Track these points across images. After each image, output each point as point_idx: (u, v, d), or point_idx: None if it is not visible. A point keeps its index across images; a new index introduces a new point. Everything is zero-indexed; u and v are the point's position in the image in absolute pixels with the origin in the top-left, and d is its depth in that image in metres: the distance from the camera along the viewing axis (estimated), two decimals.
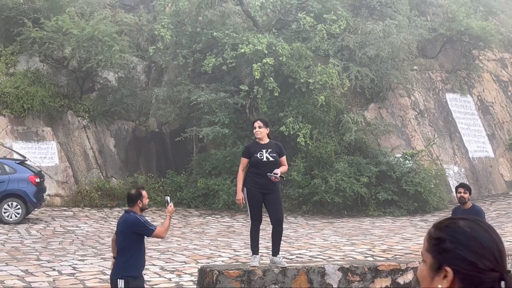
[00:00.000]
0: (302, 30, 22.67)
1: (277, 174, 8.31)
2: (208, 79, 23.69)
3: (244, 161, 8.59)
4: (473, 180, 24.79)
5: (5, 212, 17.60)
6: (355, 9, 25.11)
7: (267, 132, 8.71)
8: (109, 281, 11.19)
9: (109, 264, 12.53)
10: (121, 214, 18.34)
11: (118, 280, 7.12)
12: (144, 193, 7.34)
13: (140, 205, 7.26)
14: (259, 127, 8.59)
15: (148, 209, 20.90)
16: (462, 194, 9.86)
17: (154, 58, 24.25)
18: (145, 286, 10.91)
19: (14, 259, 12.95)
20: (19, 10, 22.98)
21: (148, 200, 7.49)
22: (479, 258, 1.79)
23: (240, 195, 8.46)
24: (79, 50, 21.95)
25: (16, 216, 17.66)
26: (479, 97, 27.87)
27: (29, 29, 21.97)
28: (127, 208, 7.41)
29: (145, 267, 12.57)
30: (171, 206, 7.49)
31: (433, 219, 19.83)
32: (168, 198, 7.66)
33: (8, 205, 17.65)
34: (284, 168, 8.63)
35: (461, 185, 10.13)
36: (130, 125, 24.02)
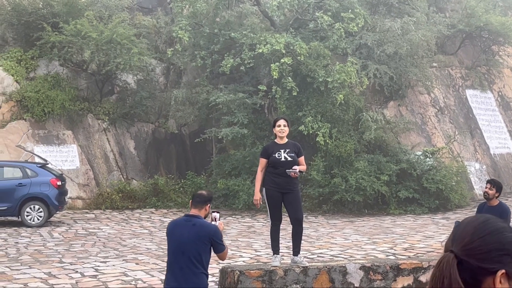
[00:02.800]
0: (319, 29, 22.63)
1: (296, 170, 8.33)
2: (226, 80, 23.72)
3: (262, 161, 8.59)
4: (494, 177, 24.53)
5: (27, 215, 17.76)
6: (372, 6, 25.01)
7: (288, 131, 8.73)
8: (131, 282, 11.26)
9: (130, 265, 12.61)
10: (141, 216, 18.29)
11: None
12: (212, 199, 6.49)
13: (207, 211, 6.28)
14: (284, 126, 8.61)
15: (169, 211, 21.01)
16: (487, 190, 9.65)
17: (173, 60, 24.33)
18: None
19: (37, 262, 13.06)
20: (38, 15, 23.16)
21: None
22: None
23: (258, 196, 8.46)
24: (98, 53, 22.09)
25: (38, 219, 17.81)
26: (500, 93, 27.62)
27: (49, 34, 22.14)
28: (190, 212, 6.31)
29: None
30: (221, 224, 6.38)
31: (455, 216, 19.69)
32: (218, 215, 6.51)
33: (31, 208, 17.80)
34: (303, 167, 8.63)
35: (489, 181, 9.87)
36: (150, 127, 24.13)
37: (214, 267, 12.22)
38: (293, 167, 8.36)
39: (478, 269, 1.80)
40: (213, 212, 6.49)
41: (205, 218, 6.24)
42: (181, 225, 6.16)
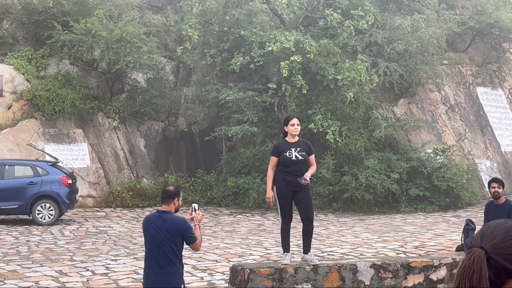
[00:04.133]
0: (329, 26, 22.59)
1: (306, 178, 8.34)
2: (236, 78, 23.73)
3: (273, 159, 8.60)
4: (506, 175, 24.47)
5: (38, 214, 17.84)
6: (382, 4, 24.93)
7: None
8: (141, 280, 11.28)
9: (141, 263, 12.64)
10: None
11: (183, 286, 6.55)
12: (181, 194, 6.84)
13: (176, 204, 6.65)
14: (297, 125, 8.64)
15: (179, 209, 21.03)
16: (496, 189, 9.72)
17: (182, 58, 24.37)
18: None
19: (48, 260, 13.12)
20: (49, 14, 23.26)
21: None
22: None
23: (270, 194, 8.48)
24: (108, 52, 22.15)
25: (49, 218, 17.88)
26: (511, 90, 27.49)
27: (59, 32, 22.22)
28: (160, 208, 6.75)
29: None
30: (199, 214, 6.79)
31: (465, 214, 19.61)
32: (196, 205, 6.95)
33: (42, 206, 17.88)
34: (313, 168, 8.62)
35: (494, 180, 9.98)
36: (160, 126, 24.18)
37: (224, 265, 12.25)
38: (304, 175, 8.35)
39: (504, 269, 1.82)
40: (193, 203, 7.03)
41: (176, 211, 6.60)
42: (153, 221, 6.51)
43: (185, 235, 6.43)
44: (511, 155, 25.73)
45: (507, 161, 25.44)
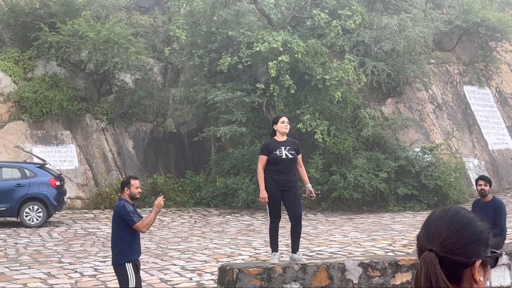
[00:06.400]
0: (317, 26, 22.62)
1: (312, 192, 8.64)
2: (224, 78, 23.72)
3: (263, 158, 8.59)
4: (493, 173, 24.60)
5: (26, 216, 17.76)
6: (369, 3, 25.01)
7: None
8: None
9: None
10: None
11: (126, 264, 7.37)
12: (133, 181, 7.52)
13: (128, 192, 7.45)
14: (287, 123, 8.69)
15: (168, 210, 21.01)
16: (482, 187, 9.79)
17: (170, 59, 24.33)
18: (167, 285, 10.97)
19: (36, 262, 13.07)
20: (35, 15, 23.16)
21: (138, 190, 7.58)
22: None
23: (264, 194, 8.44)
24: (96, 53, 22.08)
25: (37, 220, 17.81)
26: (498, 89, 27.64)
27: (46, 34, 22.13)
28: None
29: (166, 267, 12.65)
30: (158, 200, 7.45)
31: None
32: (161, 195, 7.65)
33: (30, 208, 17.80)
34: (305, 172, 8.82)
35: (482, 178, 10.05)
36: (148, 127, 24.13)
37: (213, 266, 12.24)
38: (309, 189, 8.65)
39: (458, 263, 1.85)
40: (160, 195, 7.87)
41: (132, 198, 7.51)
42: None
43: (124, 218, 7.34)
44: (498, 154, 25.88)
45: (494, 160, 25.57)
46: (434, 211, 2.00)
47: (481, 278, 1.87)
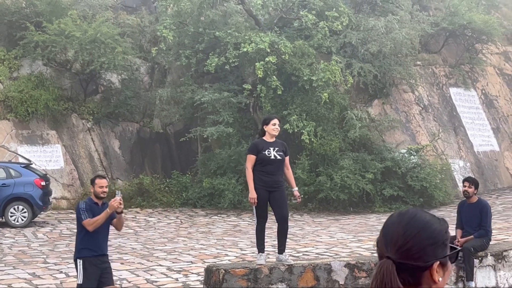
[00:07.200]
0: (304, 27, 22.66)
1: (297, 196, 8.83)
2: (211, 79, 23.70)
3: (252, 158, 8.56)
4: (478, 174, 24.74)
5: (11, 216, 17.65)
6: (356, 5, 25.09)
7: None
8: (117, 282, 11.24)
9: (116, 265, 12.57)
10: (126, 216, 18.44)
11: (78, 260, 7.49)
12: (98, 181, 7.55)
13: (92, 190, 7.57)
14: (278, 125, 8.73)
15: (154, 210, 20.95)
16: (466, 188, 9.83)
17: (157, 59, 24.27)
18: (152, 286, 10.93)
19: (21, 263, 12.98)
20: (22, 14, 23.03)
21: (102, 190, 7.54)
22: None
23: (254, 194, 8.39)
24: (82, 52, 21.99)
25: (22, 220, 17.70)
26: (483, 91, 27.81)
27: (32, 33, 22.01)
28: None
29: (152, 267, 12.60)
30: (114, 200, 7.24)
31: (439, 214, 19.77)
32: (119, 192, 7.54)
33: (15, 208, 17.69)
34: (291, 175, 8.86)
35: (467, 179, 10.08)
36: (135, 127, 24.05)
37: (199, 266, 12.22)
38: (297, 196, 8.79)
39: (416, 267, 1.85)
40: (117, 190, 7.89)
41: (97, 197, 7.57)
42: None
43: (76, 215, 7.57)
44: (483, 155, 26.03)
45: (479, 161, 25.72)
46: (392, 215, 2.00)
47: (440, 279, 1.88)
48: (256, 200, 8.40)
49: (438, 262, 1.87)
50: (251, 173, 8.51)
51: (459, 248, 2.01)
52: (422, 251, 1.86)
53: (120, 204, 7.31)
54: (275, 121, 8.74)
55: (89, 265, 7.46)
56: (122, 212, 7.54)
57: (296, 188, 8.82)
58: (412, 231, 1.88)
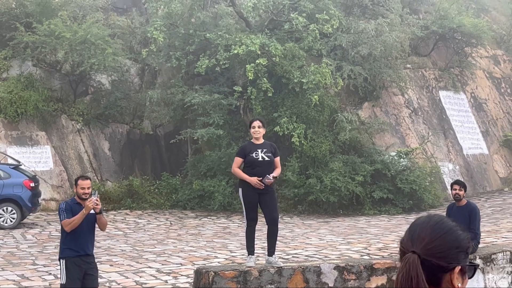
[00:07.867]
0: (294, 30, 22.69)
1: (270, 177, 8.37)
2: (201, 80, 23.68)
3: (238, 160, 8.63)
4: (467, 177, 24.84)
5: (0, 217, 17.56)
6: (347, 8, 25.14)
7: (264, 132, 8.80)
8: (106, 284, 11.24)
9: (105, 267, 12.54)
10: (116, 217, 18.44)
11: (60, 260, 7.56)
12: (81, 182, 7.55)
13: (75, 191, 7.62)
14: (258, 127, 8.70)
15: (144, 212, 20.91)
16: (457, 191, 9.89)
17: (147, 60, 24.23)
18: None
19: (9, 264, 12.92)
20: (11, 15, 22.93)
21: (84, 191, 7.51)
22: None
23: (254, 179, 8.41)
24: (72, 53, 21.92)
25: (11, 221, 17.62)
26: (473, 94, 27.93)
27: (22, 34, 21.93)
28: None
29: (141, 269, 12.57)
30: (90, 201, 7.27)
31: None
32: (95, 192, 7.54)
33: (3, 210, 17.60)
34: (278, 170, 8.69)
35: (456, 182, 10.14)
36: (125, 128, 24.00)
37: (189, 268, 12.21)
38: (267, 175, 8.39)
39: (438, 267, 1.96)
40: (94, 190, 7.81)
41: (80, 198, 7.54)
42: None
43: (59, 216, 7.60)
44: (473, 158, 26.14)
45: (469, 164, 25.83)
46: (419, 217, 2.11)
47: (459, 285, 1.98)
48: (259, 181, 8.35)
49: (459, 268, 1.97)
50: (238, 170, 8.63)
51: (477, 264, 2.13)
52: (446, 251, 1.97)
53: (97, 204, 7.28)
54: (255, 123, 8.75)
55: (71, 265, 7.46)
56: (101, 212, 7.55)
57: (273, 174, 8.52)
58: (439, 232, 2.00)
